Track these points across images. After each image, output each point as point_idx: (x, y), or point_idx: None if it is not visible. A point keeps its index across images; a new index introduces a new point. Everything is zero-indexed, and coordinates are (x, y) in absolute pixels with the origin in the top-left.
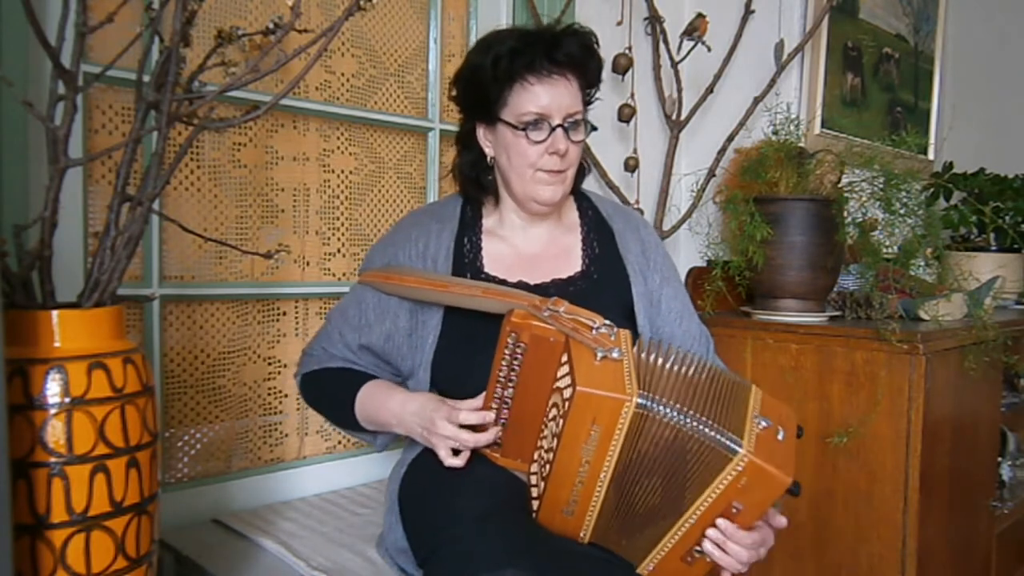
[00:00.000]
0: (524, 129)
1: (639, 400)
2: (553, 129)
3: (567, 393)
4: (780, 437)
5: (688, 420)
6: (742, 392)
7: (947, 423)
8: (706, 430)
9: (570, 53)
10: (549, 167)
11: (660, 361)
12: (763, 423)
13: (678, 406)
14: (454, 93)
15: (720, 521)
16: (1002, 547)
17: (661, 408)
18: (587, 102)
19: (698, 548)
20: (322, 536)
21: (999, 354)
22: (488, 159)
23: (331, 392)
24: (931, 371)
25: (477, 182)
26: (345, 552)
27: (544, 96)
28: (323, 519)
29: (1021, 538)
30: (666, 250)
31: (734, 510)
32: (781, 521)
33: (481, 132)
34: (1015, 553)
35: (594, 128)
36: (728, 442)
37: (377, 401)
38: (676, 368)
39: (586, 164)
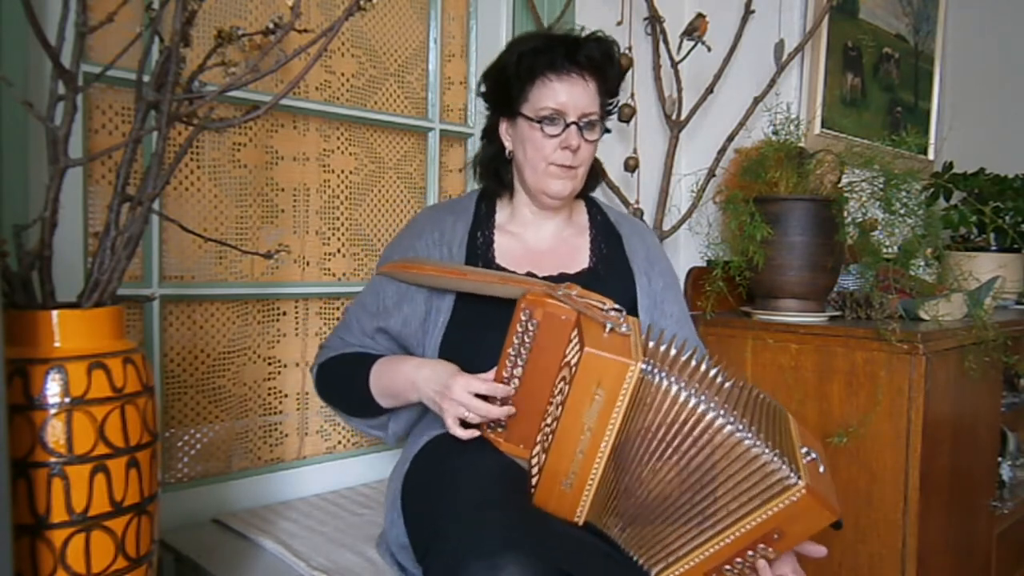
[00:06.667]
0: (541, 123)
1: (643, 365)
2: (568, 125)
3: (574, 360)
4: (821, 470)
5: (738, 427)
6: (783, 417)
7: (947, 423)
8: (765, 450)
9: (590, 56)
10: (561, 161)
11: (664, 347)
12: (811, 455)
13: (719, 401)
14: (482, 89)
15: (761, 564)
16: (1002, 547)
17: (662, 378)
18: (607, 111)
19: (728, 568)
20: (322, 536)
21: (999, 354)
22: (507, 152)
23: (345, 372)
24: (931, 371)
25: (496, 174)
26: (345, 552)
27: (562, 93)
28: (323, 519)
29: (1021, 538)
30: (669, 261)
31: (775, 536)
32: (820, 551)
33: (503, 127)
34: (1015, 553)
35: (607, 130)
36: (789, 471)
37: (392, 367)
38: (690, 360)
39: (601, 170)
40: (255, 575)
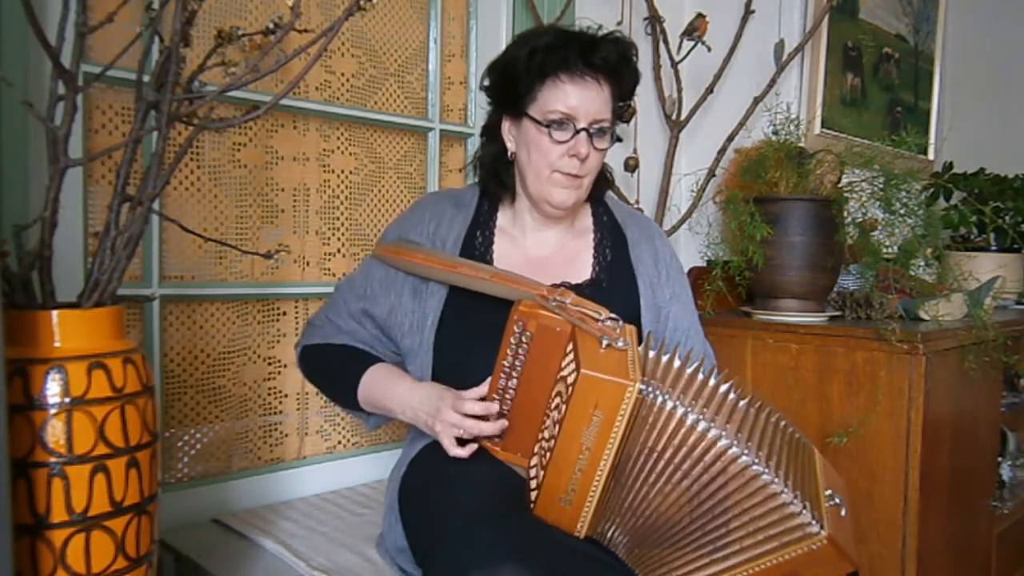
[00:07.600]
0: (548, 127)
1: (640, 386)
2: (577, 132)
3: (571, 379)
4: (843, 514)
5: (753, 459)
6: (807, 451)
7: (947, 423)
8: (785, 490)
9: (606, 57)
10: (567, 169)
11: (667, 358)
12: (836, 500)
13: (733, 427)
14: (486, 83)
15: None
16: (1002, 547)
17: (666, 398)
18: (618, 115)
19: None
20: (322, 536)
21: (999, 354)
22: (509, 154)
23: (334, 370)
24: (931, 371)
25: (496, 176)
26: (345, 552)
27: (573, 96)
28: (323, 519)
29: (1021, 538)
30: (680, 264)
31: None
32: None
33: (506, 126)
34: (1015, 553)
35: (619, 139)
36: (811, 518)
37: (383, 386)
38: (696, 373)
39: (610, 175)
40: (255, 575)
